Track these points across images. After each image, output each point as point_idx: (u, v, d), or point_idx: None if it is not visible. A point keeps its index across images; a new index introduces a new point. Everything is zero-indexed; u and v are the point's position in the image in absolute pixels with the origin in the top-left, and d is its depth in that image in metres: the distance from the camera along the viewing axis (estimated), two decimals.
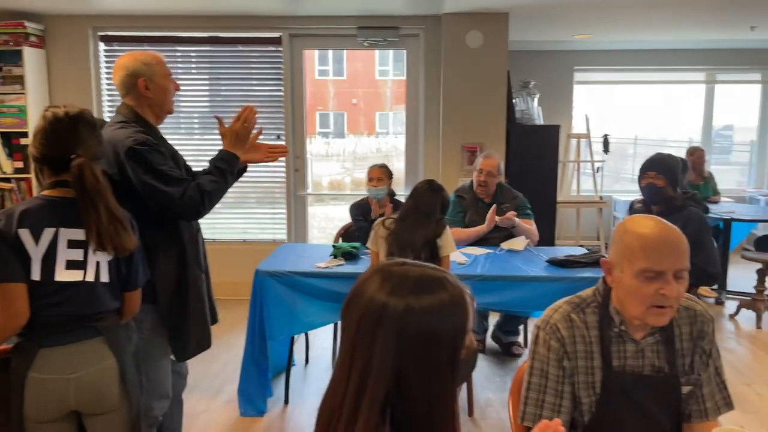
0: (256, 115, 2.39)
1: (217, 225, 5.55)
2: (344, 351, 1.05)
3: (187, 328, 2.33)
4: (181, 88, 5.30)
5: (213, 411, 3.38)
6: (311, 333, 4.10)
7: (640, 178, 3.48)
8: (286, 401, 3.49)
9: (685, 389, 1.64)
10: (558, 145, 5.27)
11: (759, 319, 4.80)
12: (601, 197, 7.31)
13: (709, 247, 3.30)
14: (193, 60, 5.47)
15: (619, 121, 8.36)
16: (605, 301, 1.64)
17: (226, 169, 2.32)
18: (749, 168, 7.96)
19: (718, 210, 5.54)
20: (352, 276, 3.03)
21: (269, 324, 3.31)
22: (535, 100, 5.71)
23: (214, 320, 2.54)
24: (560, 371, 1.63)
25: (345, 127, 26.07)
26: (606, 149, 7.30)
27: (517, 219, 4.02)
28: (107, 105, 5.43)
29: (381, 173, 4.04)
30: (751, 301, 4.88)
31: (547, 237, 5.07)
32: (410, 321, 1.00)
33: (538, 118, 5.68)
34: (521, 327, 4.38)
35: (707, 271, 3.28)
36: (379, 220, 3.24)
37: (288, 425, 3.27)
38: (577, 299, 1.69)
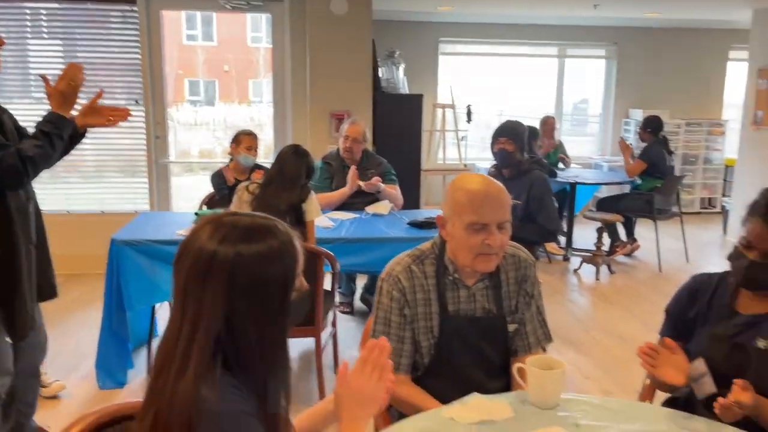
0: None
1: (72, 196, 5.21)
2: (176, 299, 1.08)
3: (17, 305, 2.19)
4: (32, 50, 4.97)
5: (69, 387, 3.24)
6: None
7: (493, 144, 3.72)
8: (149, 372, 3.42)
9: (511, 327, 1.83)
10: (421, 114, 5.47)
11: (597, 272, 5.33)
12: (465, 165, 7.67)
13: (550, 207, 3.61)
14: (44, 19, 5.05)
15: (484, 93, 8.78)
16: (441, 253, 1.78)
17: (53, 132, 2.14)
18: (597, 137, 8.69)
19: (566, 175, 6.03)
20: None
21: (127, 294, 3.21)
22: (401, 69, 5.86)
23: (53, 295, 2.43)
24: (402, 319, 1.76)
25: (216, 95, 25.16)
26: (469, 119, 7.65)
27: (381, 184, 4.16)
28: None
29: (255, 142, 4.04)
30: (591, 257, 5.39)
31: (412, 201, 5.28)
32: (240, 267, 1.05)
33: (404, 87, 5.84)
34: None
35: (547, 228, 3.60)
36: (243, 184, 3.23)
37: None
38: (417, 252, 1.82)
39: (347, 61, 5.16)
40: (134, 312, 3.36)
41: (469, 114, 7.66)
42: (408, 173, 5.36)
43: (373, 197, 4.18)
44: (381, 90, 5.48)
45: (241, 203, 3.18)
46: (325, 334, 3.23)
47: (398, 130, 5.40)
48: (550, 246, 6.01)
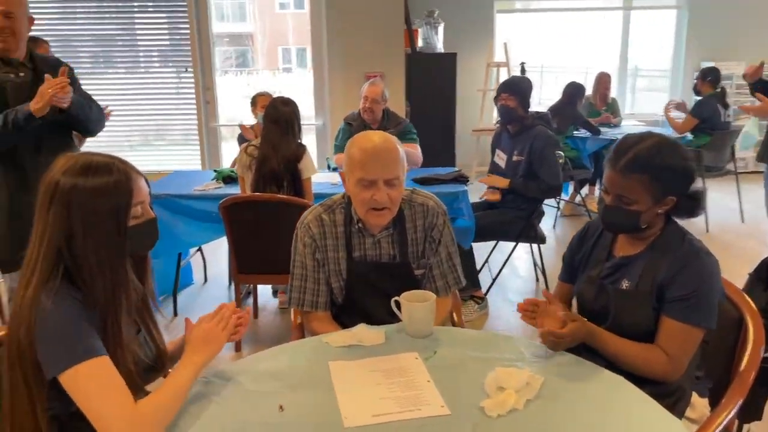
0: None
1: (134, 158, 5.74)
2: (34, 221, 1.33)
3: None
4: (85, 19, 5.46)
5: None
6: (209, 252, 4.41)
7: (495, 99, 3.76)
8: (175, 313, 3.83)
9: (418, 272, 1.96)
10: (455, 73, 5.49)
11: None
12: None
13: (552, 163, 3.61)
14: None
15: (544, 50, 8.58)
16: (349, 203, 1.93)
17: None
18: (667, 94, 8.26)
19: (612, 132, 5.87)
20: (225, 196, 3.29)
21: None
22: (440, 29, 5.88)
23: None
24: (315, 262, 1.93)
25: (308, 62, 25.65)
26: None
27: None
28: None
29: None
30: None
31: (447, 160, 5.36)
32: (75, 197, 1.29)
33: (441, 47, 5.86)
34: None
35: (550, 184, 3.61)
36: (242, 146, 3.47)
37: (176, 332, 3.61)
38: (330, 202, 1.98)
39: (379, 22, 5.28)
40: (163, 262, 3.77)
41: (523, 72, 7.53)
42: (442, 133, 5.45)
43: None
44: (416, 50, 5.54)
45: (241, 166, 3.43)
46: None
47: (433, 90, 5.47)
48: (592, 204, 5.91)
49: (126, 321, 1.37)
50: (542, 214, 3.86)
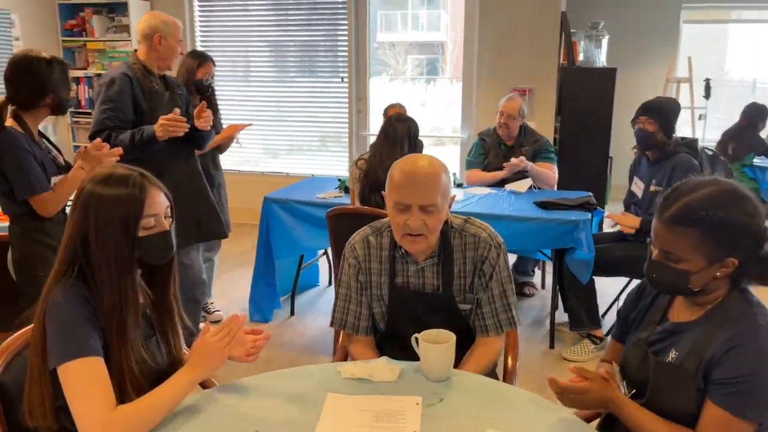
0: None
1: (288, 161, 6.12)
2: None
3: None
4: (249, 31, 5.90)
5: (227, 316, 3.98)
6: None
7: (633, 122, 3.40)
8: (292, 313, 4.00)
9: (464, 307, 1.83)
10: (614, 90, 5.05)
11: None
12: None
13: None
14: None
15: (746, 63, 7.61)
16: None
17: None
18: None
19: None
20: (339, 205, 3.38)
21: (275, 245, 3.80)
22: (603, 42, 5.46)
23: (224, 235, 3.37)
24: (358, 284, 1.90)
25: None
26: (707, 94, 6.74)
27: (529, 163, 4.07)
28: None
29: (403, 111, 4.30)
30: None
31: (597, 181, 4.98)
32: (91, 203, 1.40)
33: (603, 61, 5.44)
34: (536, 269, 4.46)
35: None
36: (355, 159, 3.51)
37: (286, 330, 3.78)
38: (379, 224, 1.92)
39: (531, 35, 5.06)
40: (285, 261, 3.96)
41: (707, 89, 6.76)
42: (595, 152, 5.06)
43: (523, 175, 4.11)
44: (573, 65, 5.21)
45: (352, 179, 3.47)
46: None
47: (587, 107, 5.09)
48: None
49: (133, 323, 1.44)
50: None
